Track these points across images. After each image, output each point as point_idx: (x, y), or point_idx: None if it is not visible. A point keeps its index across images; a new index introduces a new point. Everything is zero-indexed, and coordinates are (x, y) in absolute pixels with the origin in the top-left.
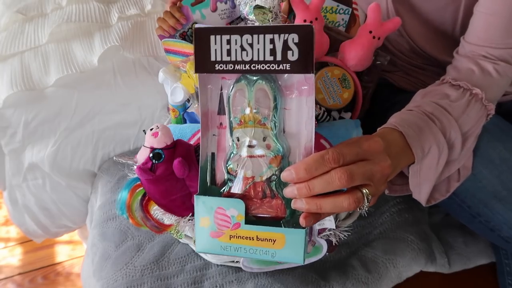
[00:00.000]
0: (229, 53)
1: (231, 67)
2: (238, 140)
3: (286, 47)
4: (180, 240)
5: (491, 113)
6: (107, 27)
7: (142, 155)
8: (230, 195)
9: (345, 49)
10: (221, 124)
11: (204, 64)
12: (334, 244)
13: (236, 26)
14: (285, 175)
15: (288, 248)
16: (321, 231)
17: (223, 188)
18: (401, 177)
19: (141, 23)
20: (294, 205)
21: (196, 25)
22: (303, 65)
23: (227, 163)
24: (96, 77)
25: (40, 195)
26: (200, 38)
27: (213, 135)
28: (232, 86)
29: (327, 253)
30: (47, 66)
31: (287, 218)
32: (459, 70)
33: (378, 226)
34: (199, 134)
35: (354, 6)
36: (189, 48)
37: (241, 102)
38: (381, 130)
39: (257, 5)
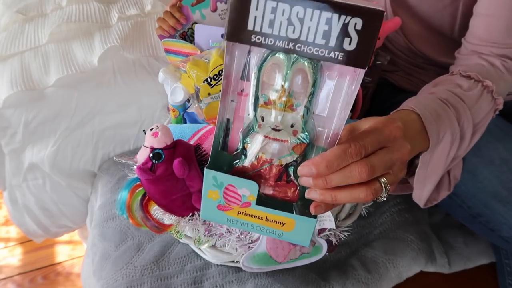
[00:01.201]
0: (271, 24)
1: (271, 41)
2: (263, 120)
3: (344, 33)
4: (180, 240)
5: (499, 107)
6: (107, 27)
7: (142, 155)
8: (242, 170)
9: None
10: (242, 91)
11: (237, 31)
12: (334, 244)
13: None
14: (304, 171)
15: (296, 232)
16: (321, 231)
17: (236, 162)
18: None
19: (141, 23)
20: (308, 195)
21: (197, 25)
22: (359, 57)
23: (244, 138)
24: (96, 77)
25: (40, 195)
26: None
27: (231, 101)
28: (265, 56)
29: (327, 253)
30: (47, 66)
31: (299, 203)
32: (467, 64)
33: (378, 226)
34: (199, 134)
35: None
36: (189, 48)
37: (274, 78)
38: (397, 112)
39: None
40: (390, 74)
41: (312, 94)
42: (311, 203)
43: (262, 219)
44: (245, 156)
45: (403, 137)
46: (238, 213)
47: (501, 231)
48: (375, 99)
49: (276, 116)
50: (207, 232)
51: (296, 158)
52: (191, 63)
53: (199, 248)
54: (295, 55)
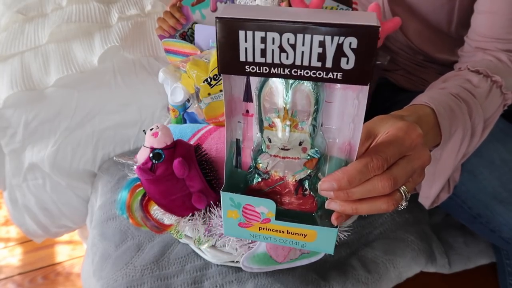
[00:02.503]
0: (263, 53)
1: (265, 70)
2: (270, 141)
3: (340, 53)
4: (180, 240)
5: (508, 102)
6: (107, 27)
7: (142, 155)
8: (257, 188)
9: None
10: (247, 111)
11: (230, 64)
12: None
13: (272, 20)
14: (324, 186)
15: (319, 242)
16: None
17: (252, 178)
18: None
19: (141, 23)
20: (328, 205)
21: (197, 25)
22: (359, 75)
23: (255, 159)
24: (96, 77)
25: (40, 195)
26: (226, 32)
27: (238, 122)
28: (263, 80)
29: (327, 253)
30: (47, 66)
31: (319, 212)
32: (474, 61)
33: (378, 226)
34: (199, 134)
35: (354, 6)
36: (189, 48)
37: (274, 102)
38: (411, 107)
39: (257, 5)
40: (390, 73)
41: (317, 111)
42: (331, 212)
43: (283, 232)
44: (259, 175)
45: (423, 143)
46: (259, 229)
47: (502, 232)
48: (375, 99)
49: (282, 137)
50: (207, 232)
51: (310, 172)
52: (191, 63)
53: (199, 248)
54: None
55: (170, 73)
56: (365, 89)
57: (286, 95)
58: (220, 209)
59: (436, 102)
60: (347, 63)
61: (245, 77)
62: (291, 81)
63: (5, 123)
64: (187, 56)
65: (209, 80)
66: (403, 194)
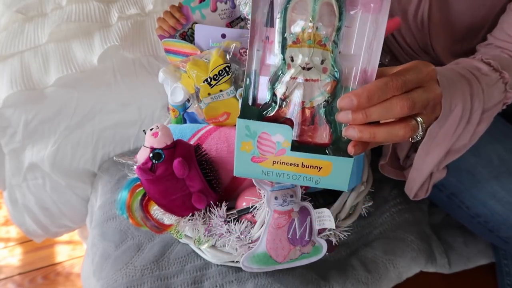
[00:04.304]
0: None
1: None
2: (292, 60)
3: None
4: (180, 240)
5: (508, 102)
6: (107, 27)
7: (142, 155)
8: (273, 118)
9: None
10: (267, 38)
11: None
12: (334, 244)
13: None
14: (344, 103)
15: (334, 175)
16: (321, 231)
17: (266, 111)
18: (397, 160)
19: (141, 23)
20: (346, 132)
21: (197, 25)
22: None
23: (273, 84)
24: (96, 77)
25: (40, 195)
26: None
27: (257, 50)
28: None
29: (327, 253)
30: (47, 66)
31: (333, 146)
32: (490, 54)
33: (378, 226)
34: (199, 134)
35: None
36: (189, 48)
37: (300, 16)
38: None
39: None
40: None
41: (339, 28)
42: (345, 146)
43: (298, 165)
44: (275, 103)
45: (436, 79)
46: (273, 163)
47: (500, 231)
48: None
49: (306, 54)
50: (207, 232)
51: (327, 98)
52: (191, 63)
53: (199, 248)
54: None
55: (170, 73)
56: (385, 9)
57: (313, 7)
58: (220, 209)
59: (441, 74)
60: None
61: (270, 0)
62: None
63: (5, 122)
64: (187, 56)
65: (209, 80)
66: (419, 124)
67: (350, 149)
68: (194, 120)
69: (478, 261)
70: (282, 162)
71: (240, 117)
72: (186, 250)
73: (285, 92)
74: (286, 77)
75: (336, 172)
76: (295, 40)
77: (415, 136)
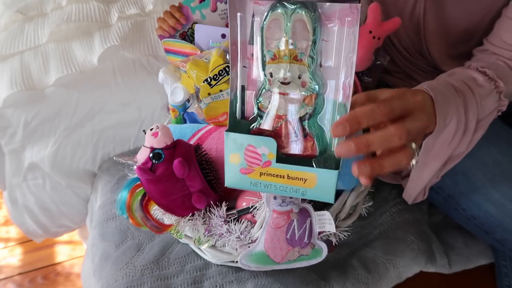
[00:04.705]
0: None
1: None
2: (271, 76)
3: None
4: (180, 240)
5: (503, 109)
6: (107, 27)
7: (142, 155)
8: (260, 131)
9: None
10: (252, 55)
11: None
12: (334, 244)
13: None
14: (337, 131)
15: (319, 187)
16: (321, 232)
17: (253, 125)
18: None
19: (141, 23)
20: (359, 170)
21: (197, 25)
22: None
23: (257, 99)
24: (96, 77)
25: (40, 195)
26: None
27: (244, 66)
28: (266, 14)
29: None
30: (47, 66)
31: (318, 158)
32: (485, 61)
33: (378, 226)
34: (199, 134)
35: None
36: (189, 48)
37: (276, 34)
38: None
39: None
40: (389, 77)
41: (314, 43)
42: (331, 157)
43: (284, 177)
44: (261, 117)
45: (424, 110)
46: (260, 175)
47: (495, 233)
48: None
49: (283, 69)
50: (207, 232)
51: (308, 110)
52: (191, 63)
53: (199, 248)
54: (292, 6)
55: (170, 73)
56: (356, 25)
57: (286, 25)
58: (220, 209)
59: (435, 90)
60: None
61: (252, 18)
62: (290, 11)
63: (5, 122)
64: (187, 56)
65: (209, 80)
66: (415, 150)
67: (364, 181)
68: (194, 120)
69: (478, 261)
70: (269, 174)
71: (227, 130)
72: (186, 250)
73: (266, 106)
74: (268, 92)
75: (321, 184)
76: (273, 56)
77: (412, 164)
